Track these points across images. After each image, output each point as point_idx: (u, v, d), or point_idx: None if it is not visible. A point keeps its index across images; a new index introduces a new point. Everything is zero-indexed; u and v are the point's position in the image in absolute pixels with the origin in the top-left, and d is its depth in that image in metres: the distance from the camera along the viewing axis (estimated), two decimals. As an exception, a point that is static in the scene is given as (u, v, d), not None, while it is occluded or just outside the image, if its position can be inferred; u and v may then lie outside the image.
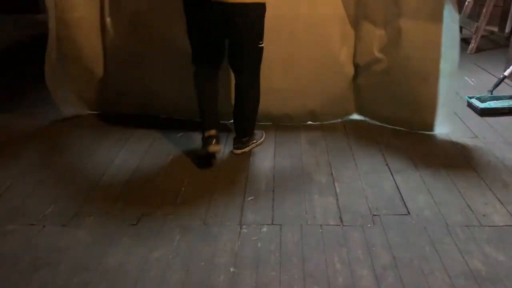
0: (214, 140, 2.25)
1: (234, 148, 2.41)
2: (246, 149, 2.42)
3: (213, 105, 2.35)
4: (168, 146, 2.45)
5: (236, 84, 2.34)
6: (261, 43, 2.20)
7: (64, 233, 1.74)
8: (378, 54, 2.52)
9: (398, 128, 2.65)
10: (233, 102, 2.43)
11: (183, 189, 2.05)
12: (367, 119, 2.77)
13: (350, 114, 2.80)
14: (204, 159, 2.29)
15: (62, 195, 1.99)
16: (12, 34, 4.47)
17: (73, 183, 2.09)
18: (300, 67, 2.57)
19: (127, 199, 1.97)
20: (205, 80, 2.31)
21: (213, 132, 2.28)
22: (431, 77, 2.43)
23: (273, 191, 2.03)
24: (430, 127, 2.58)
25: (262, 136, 2.53)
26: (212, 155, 2.31)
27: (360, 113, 2.79)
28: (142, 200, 1.95)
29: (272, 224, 1.80)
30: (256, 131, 2.49)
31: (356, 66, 2.63)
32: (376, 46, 2.52)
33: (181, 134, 2.60)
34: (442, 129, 2.58)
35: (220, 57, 2.28)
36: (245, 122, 2.41)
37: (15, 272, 1.54)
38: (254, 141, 2.46)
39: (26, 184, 2.08)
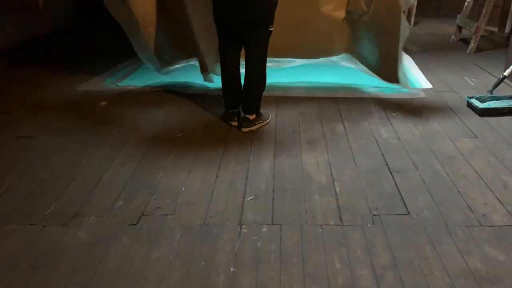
0: (235, 118, 2.69)
1: (242, 126, 2.64)
2: (253, 128, 2.65)
3: (236, 85, 2.70)
4: (168, 146, 2.46)
5: (246, 61, 2.63)
6: (271, 27, 2.54)
7: (64, 233, 1.75)
8: (364, 7, 3.01)
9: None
10: None
11: (183, 189, 2.05)
12: (353, 56, 3.35)
13: (340, 52, 3.34)
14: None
15: (62, 195, 1.99)
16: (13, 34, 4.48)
17: (73, 183, 2.09)
18: (302, 18, 3.14)
19: (127, 199, 1.97)
20: (228, 62, 2.65)
21: (234, 110, 2.70)
22: (395, 35, 2.87)
23: (273, 191, 2.03)
24: (395, 77, 3.06)
25: (269, 117, 2.77)
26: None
27: (347, 52, 3.33)
28: (142, 200, 1.96)
29: (272, 224, 1.80)
30: (262, 112, 2.74)
31: (348, 13, 3.14)
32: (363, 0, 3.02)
33: (181, 134, 2.60)
34: (404, 82, 3.07)
35: (241, 40, 2.59)
36: (253, 97, 2.68)
37: (15, 272, 1.54)
38: (261, 121, 2.70)
39: (26, 184, 2.09)
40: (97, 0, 3.09)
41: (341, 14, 3.15)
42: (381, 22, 2.96)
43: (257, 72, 2.64)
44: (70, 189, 2.04)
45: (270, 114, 2.82)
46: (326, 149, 2.43)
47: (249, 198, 1.97)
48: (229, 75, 2.69)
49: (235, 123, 2.69)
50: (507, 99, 3.03)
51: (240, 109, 2.72)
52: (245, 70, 2.64)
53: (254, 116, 2.67)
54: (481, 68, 3.91)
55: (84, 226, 1.78)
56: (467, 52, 4.45)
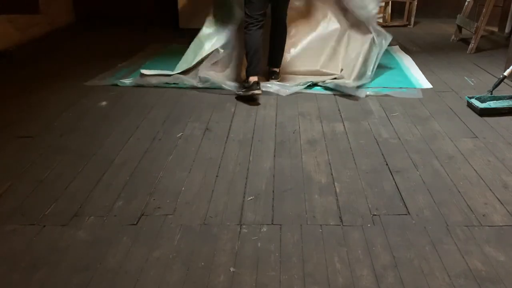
0: (258, 86, 3.02)
1: (272, 78, 3.32)
2: (279, 78, 3.37)
3: (259, 55, 3.12)
4: (168, 146, 2.46)
5: (273, 28, 3.29)
6: None
7: (64, 233, 1.75)
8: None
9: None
10: None
11: (183, 189, 2.05)
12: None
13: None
14: (249, 99, 3.04)
15: (62, 195, 1.99)
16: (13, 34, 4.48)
17: (73, 183, 2.09)
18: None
19: (127, 199, 1.97)
20: (254, 36, 3.07)
21: (256, 78, 3.07)
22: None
23: (273, 191, 2.03)
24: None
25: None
26: (256, 96, 3.02)
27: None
28: (142, 200, 1.96)
29: (272, 224, 1.80)
30: None
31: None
32: None
33: (181, 134, 2.60)
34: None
35: (264, 16, 3.10)
36: (281, 53, 3.35)
37: (15, 272, 1.54)
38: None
39: (26, 184, 2.08)
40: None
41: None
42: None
43: (283, 33, 3.30)
44: (70, 189, 2.04)
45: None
46: (326, 149, 2.43)
47: (249, 198, 1.97)
48: (255, 48, 3.09)
49: (257, 92, 2.99)
50: (507, 99, 3.03)
51: (259, 78, 3.14)
52: (271, 31, 3.28)
53: (279, 68, 3.34)
54: (481, 68, 3.91)
55: (84, 226, 1.78)
56: (467, 52, 4.45)
